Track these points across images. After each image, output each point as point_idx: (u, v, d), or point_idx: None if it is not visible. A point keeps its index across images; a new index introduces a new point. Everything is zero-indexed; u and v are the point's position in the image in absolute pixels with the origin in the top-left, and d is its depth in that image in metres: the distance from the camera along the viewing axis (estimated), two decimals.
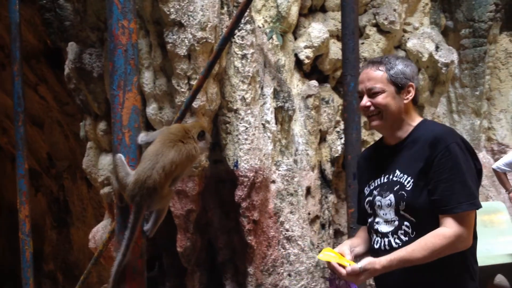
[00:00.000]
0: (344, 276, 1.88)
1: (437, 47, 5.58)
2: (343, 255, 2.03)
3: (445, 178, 1.86)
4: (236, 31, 4.57)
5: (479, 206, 1.88)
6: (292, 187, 4.97)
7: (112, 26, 1.86)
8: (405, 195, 1.94)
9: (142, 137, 2.06)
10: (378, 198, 2.03)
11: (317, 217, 5.25)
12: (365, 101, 2.03)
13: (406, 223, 1.95)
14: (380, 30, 5.47)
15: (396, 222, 1.97)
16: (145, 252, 2.12)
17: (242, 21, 4.55)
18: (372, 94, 2.01)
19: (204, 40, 4.21)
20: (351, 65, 3.04)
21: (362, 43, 5.47)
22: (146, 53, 4.51)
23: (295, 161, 5.08)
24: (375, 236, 2.06)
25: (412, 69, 2.05)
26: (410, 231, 1.94)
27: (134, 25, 1.90)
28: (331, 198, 5.41)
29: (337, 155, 5.38)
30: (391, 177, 2.01)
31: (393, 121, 2.02)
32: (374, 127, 2.09)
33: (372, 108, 2.02)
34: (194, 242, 5.03)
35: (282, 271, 4.90)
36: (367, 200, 2.12)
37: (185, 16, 4.19)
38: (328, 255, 1.99)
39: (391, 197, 1.98)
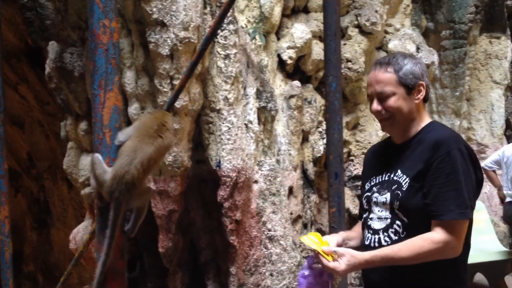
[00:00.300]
0: (326, 265, 1.88)
1: (418, 48, 5.64)
2: (328, 244, 2.00)
3: (440, 183, 1.84)
4: (219, 31, 4.57)
5: (469, 217, 1.85)
6: (274, 187, 4.98)
7: (93, 25, 1.85)
8: (400, 194, 1.94)
9: (119, 137, 2.02)
10: (375, 195, 2.02)
11: (299, 216, 5.27)
12: (376, 105, 1.99)
13: (398, 222, 1.95)
14: (362, 31, 5.51)
15: (389, 220, 1.97)
16: (126, 253, 2.10)
17: (225, 21, 4.55)
18: (383, 97, 1.97)
19: (187, 40, 4.20)
20: (333, 66, 3.05)
21: (344, 44, 5.50)
22: (128, 52, 4.48)
23: (278, 161, 5.10)
24: (366, 232, 2.06)
25: (421, 67, 2.00)
26: (401, 230, 1.94)
27: (116, 24, 1.89)
28: (313, 198, 5.44)
29: (319, 155, 5.41)
30: (392, 176, 2.00)
31: (405, 123, 2.00)
32: (387, 130, 2.07)
33: (383, 112, 1.98)
34: (176, 243, 5.02)
35: (264, 270, 4.91)
36: (365, 195, 2.12)
37: (168, 16, 4.17)
38: (312, 240, 1.97)
39: (388, 195, 1.97)
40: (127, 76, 4.51)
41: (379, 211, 2.00)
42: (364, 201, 2.13)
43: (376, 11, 5.41)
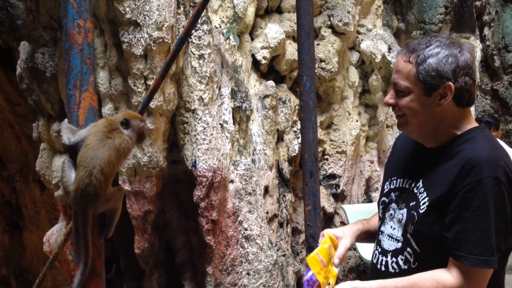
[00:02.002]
0: None
1: (389, 48, 5.73)
2: (338, 239, 1.79)
3: (465, 217, 1.51)
4: (193, 31, 4.57)
5: (493, 266, 1.51)
6: (250, 186, 5.00)
7: (68, 25, 1.84)
8: (416, 218, 1.64)
9: (69, 138, 1.97)
10: (393, 206, 1.73)
11: (275, 215, 5.30)
12: (389, 97, 1.69)
13: (409, 249, 1.67)
14: (335, 31, 5.57)
15: (400, 244, 1.69)
16: (103, 253, 2.10)
17: (199, 21, 4.55)
18: (398, 91, 1.65)
19: (161, 40, 4.19)
20: (306, 66, 3.09)
21: (318, 44, 5.56)
22: (101, 52, 4.44)
23: (253, 161, 5.12)
24: (376, 247, 1.82)
25: (455, 62, 1.56)
26: (412, 260, 1.66)
27: (90, 24, 1.88)
28: (289, 196, 5.47)
29: (294, 154, 5.46)
30: (413, 186, 1.69)
31: (421, 129, 1.65)
32: (402, 129, 1.74)
33: (396, 109, 1.68)
34: (152, 243, 5.00)
35: (241, 270, 4.93)
36: (382, 200, 1.82)
37: (141, 16, 4.15)
38: (316, 261, 1.75)
39: (404, 212, 1.68)
40: (101, 76, 4.47)
41: (392, 227, 1.72)
42: (380, 207, 1.84)
43: (349, 12, 5.47)
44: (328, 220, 5.83)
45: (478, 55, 6.59)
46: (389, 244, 1.71)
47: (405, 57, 1.62)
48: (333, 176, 5.80)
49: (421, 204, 1.62)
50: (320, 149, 5.80)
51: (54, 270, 5.48)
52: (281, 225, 5.41)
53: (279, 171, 5.46)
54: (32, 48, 4.85)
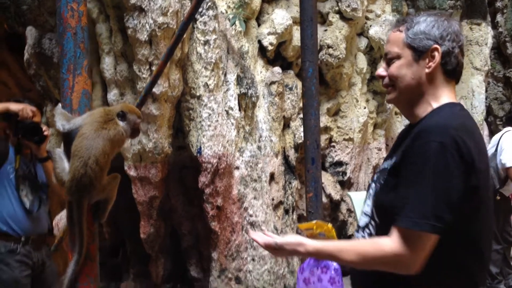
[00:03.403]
0: (261, 245, 1.68)
1: None
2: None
3: (407, 181, 1.49)
4: (198, 16, 4.55)
5: (431, 231, 1.44)
6: (255, 173, 4.99)
7: (61, 8, 1.84)
8: (378, 189, 1.65)
9: (64, 125, 1.96)
10: (372, 185, 1.72)
11: (280, 202, 5.29)
12: (380, 70, 1.68)
13: (372, 222, 1.66)
14: (343, 17, 5.51)
15: (367, 219, 1.68)
16: (97, 237, 2.10)
17: (205, 6, 4.52)
18: (388, 60, 1.65)
19: (165, 25, 4.17)
20: (309, 51, 3.06)
21: (325, 30, 5.50)
22: (106, 38, 4.45)
23: (259, 148, 5.10)
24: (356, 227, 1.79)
25: (443, 28, 1.58)
26: (374, 232, 1.65)
27: (84, 7, 1.88)
28: (295, 183, 5.46)
29: (300, 141, 5.42)
30: (389, 163, 1.67)
31: (409, 96, 1.62)
32: (388, 101, 1.73)
33: (386, 79, 1.66)
34: (158, 229, 5.03)
35: (246, 256, 4.94)
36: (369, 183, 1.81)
37: (146, 1, 4.14)
38: (310, 225, 1.81)
39: (374, 187, 1.69)
40: (106, 62, 4.47)
41: (367, 205, 1.70)
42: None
43: None
44: (335, 207, 5.81)
45: (490, 41, 6.49)
46: (363, 221, 1.71)
47: (395, 29, 1.66)
48: (340, 163, 5.77)
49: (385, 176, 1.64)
50: (327, 136, 5.76)
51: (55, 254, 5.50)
52: (286, 212, 5.41)
53: (285, 158, 5.44)
54: (39, 34, 4.86)
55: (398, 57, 1.62)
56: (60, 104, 1.97)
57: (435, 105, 1.60)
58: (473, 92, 6.49)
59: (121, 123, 2.02)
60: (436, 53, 1.58)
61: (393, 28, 1.67)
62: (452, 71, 1.61)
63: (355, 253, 1.55)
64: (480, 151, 1.50)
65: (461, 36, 1.63)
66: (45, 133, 2.97)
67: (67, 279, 2.03)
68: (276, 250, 1.66)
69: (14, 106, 2.96)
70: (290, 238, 1.66)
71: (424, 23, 1.60)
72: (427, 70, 1.59)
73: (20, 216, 2.97)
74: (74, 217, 2.00)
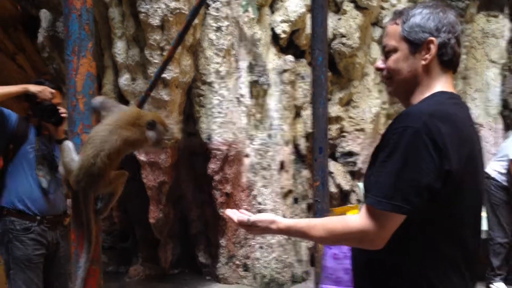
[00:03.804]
0: (235, 222, 1.72)
1: None
2: None
3: (380, 162, 1.54)
4: (211, 2, 4.53)
5: (386, 209, 1.48)
6: (265, 161, 4.99)
7: None
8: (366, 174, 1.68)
9: (97, 102, 2.00)
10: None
11: (290, 191, 5.29)
12: (379, 62, 1.71)
13: (360, 206, 1.78)
14: (358, 6, 5.44)
15: (361, 205, 1.72)
16: (100, 240, 2.12)
17: None
18: (386, 53, 1.67)
19: (178, 10, 4.17)
20: (319, 39, 3.03)
21: (339, 19, 5.45)
22: (119, 22, 4.45)
23: (269, 136, 5.09)
24: None
25: (439, 20, 1.61)
26: None
27: None
28: (305, 172, 5.45)
29: (311, 130, 5.40)
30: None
31: (406, 87, 1.66)
32: (388, 93, 1.74)
33: (385, 71, 1.68)
34: (167, 214, 5.06)
35: (254, 243, 4.96)
36: None
37: None
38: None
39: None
40: (118, 46, 4.48)
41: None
42: None
43: None
44: (344, 198, 5.79)
45: (507, 34, 6.37)
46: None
47: (392, 22, 1.66)
48: (350, 153, 5.74)
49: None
50: (338, 126, 5.73)
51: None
52: (296, 200, 5.40)
53: (296, 146, 5.43)
54: (52, 17, 4.89)
55: (395, 50, 1.64)
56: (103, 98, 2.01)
57: (427, 94, 1.62)
58: (488, 85, 6.39)
59: (148, 132, 2.04)
60: (432, 46, 1.60)
61: (391, 21, 1.67)
62: (448, 61, 1.63)
63: (324, 229, 1.60)
64: (461, 137, 1.50)
65: (457, 26, 1.63)
66: (63, 115, 3.00)
67: (81, 268, 2.03)
68: (249, 227, 1.70)
69: (33, 88, 3.00)
70: (263, 216, 1.70)
71: (419, 16, 1.61)
72: (423, 62, 1.61)
73: (37, 195, 3.02)
74: (81, 207, 2.01)
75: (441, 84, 1.63)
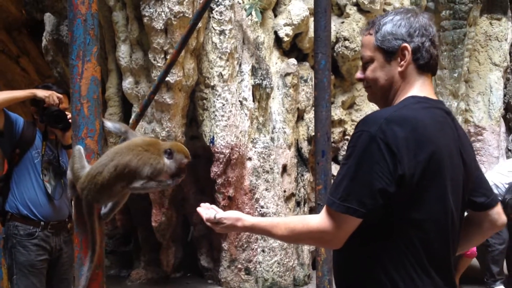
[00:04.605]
0: (204, 219, 1.76)
1: None
2: None
3: (341, 164, 1.58)
4: (214, 6, 4.54)
5: (346, 212, 1.49)
6: (268, 164, 4.99)
7: None
8: None
9: (108, 123, 2.05)
10: None
11: (292, 194, 5.29)
12: (358, 73, 1.73)
13: None
14: (360, 9, 5.46)
15: None
16: (103, 242, 2.12)
17: None
18: (364, 63, 1.69)
19: (181, 14, 4.18)
20: (322, 43, 3.03)
21: (342, 22, 5.46)
22: (122, 26, 4.46)
23: (272, 139, 5.10)
24: None
25: (410, 25, 1.61)
26: None
27: None
28: (307, 176, 5.45)
29: (314, 133, 5.41)
30: None
31: (384, 94, 1.67)
32: (369, 101, 1.77)
33: (365, 82, 1.70)
34: (169, 217, 5.06)
35: (256, 247, 4.96)
36: None
37: None
38: None
39: None
40: (122, 49, 4.49)
41: None
42: None
43: None
44: None
45: (510, 37, 6.37)
46: None
47: (366, 32, 1.68)
48: None
49: None
50: (341, 129, 5.74)
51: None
52: (298, 204, 5.40)
53: (298, 150, 5.44)
54: (56, 21, 4.91)
55: (371, 60, 1.65)
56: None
57: (398, 100, 1.64)
58: (491, 88, 6.39)
59: (166, 160, 2.00)
60: (406, 52, 1.60)
61: (365, 31, 1.69)
62: (425, 65, 1.63)
63: (285, 228, 1.62)
64: (420, 140, 1.50)
65: (430, 28, 1.63)
66: (70, 120, 3.00)
67: (84, 276, 2.03)
68: (216, 224, 1.73)
69: (41, 93, 3.00)
70: (229, 213, 1.74)
71: (390, 24, 1.62)
72: (400, 69, 1.62)
73: (42, 201, 3.01)
74: (84, 214, 2.00)
75: (418, 88, 1.64)
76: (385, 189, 1.47)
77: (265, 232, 1.70)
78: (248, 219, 1.71)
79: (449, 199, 1.56)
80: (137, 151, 1.98)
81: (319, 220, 1.55)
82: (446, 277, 1.58)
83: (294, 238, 1.63)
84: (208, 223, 1.76)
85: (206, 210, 1.79)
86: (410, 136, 1.49)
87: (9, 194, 3.04)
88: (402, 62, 1.61)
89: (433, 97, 1.65)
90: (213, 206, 1.80)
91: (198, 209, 1.81)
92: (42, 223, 3.02)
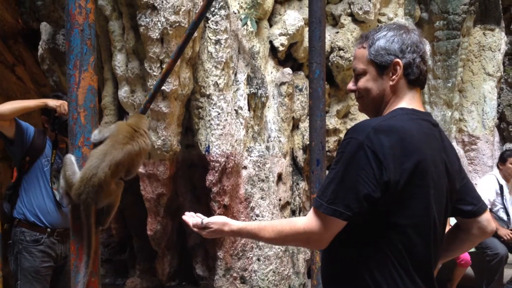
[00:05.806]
0: (190, 226, 1.82)
1: None
2: None
3: (330, 169, 1.64)
4: (210, 16, 4.58)
5: (326, 212, 1.56)
6: (263, 173, 5.01)
7: (69, 5, 1.87)
8: None
9: (95, 135, 2.04)
10: None
11: (287, 203, 5.31)
12: (350, 84, 1.79)
13: None
14: (355, 19, 5.51)
15: None
16: (99, 250, 2.14)
17: (217, 6, 4.56)
18: (356, 75, 1.76)
19: (177, 24, 4.21)
20: (317, 53, 3.07)
21: (337, 32, 5.50)
22: (119, 35, 4.49)
23: (267, 148, 5.12)
24: None
25: (402, 41, 1.68)
26: None
27: (92, 5, 1.91)
28: (302, 185, 5.47)
29: (309, 142, 5.43)
30: None
31: (375, 106, 1.74)
32: (360, 111, 1.84)
33: (356, 93, 1.78)
34: (165, 226, 5.07)
35: (251, 255, 4.96)
36: None
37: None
38: None
39: None
40: (118, 59, 4.52)
41: None
42: None
43: (369, 0, 5.40)
44: None
45: (503, 47, 6.44)
46: None
47: (359, 45, 1.75)
48: None
49: None
50: (336, 138, 5.77)
51: None
52: (293, 212, 5.42)
53: (294, 159, 5.46)
54: (53, 30, 4.93)
55: (364, 73, 1.72)
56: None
57: (387, 112, 1.71)
58: (485, 98, 6.45)
59: (146, 138, 2.12)
60: (398, 67, 1.68)
61: (358, 44, 1.76)
62: (415, 80, 1.71)
63: (273, 231, 1.67)
64: (406, 149, 1.57)
65: (421, 45, 1.72)
66: None
67: (80, 283, 2.05)
68: (203, 229, 1.80)
69: (52, 102, 3.04)
70: (216, 218, 1.81)
71: (384, 39, 1.69)
72: (391, 83, 1.69)
73: (50, 208, 3.03)
74: (82, 219, 2.04)
75: (407, 101, 1.71)
76: (370, 194, 1.53)
77: (253, 236, 1.74)
78: (234, 224, 1.77)
79: (432, 207, 1.62)
80: (125, 146, 2.04)
81: (306, 221, 1.61)
82: (427, 281, 1.64)
83: (282, 239, 1.68)
84: (195, 229, 1.81)
85: (192, 218, 1.85)
86: (397, 145, 1.56)
87: (17, 200, 3.07)
88: (394, 77, 1.68)
89: (421, 109, 1.73)
90: (198, 214, 1.87)
91: (184, 217, 1.88)
92: (48, 230, 3.05)
